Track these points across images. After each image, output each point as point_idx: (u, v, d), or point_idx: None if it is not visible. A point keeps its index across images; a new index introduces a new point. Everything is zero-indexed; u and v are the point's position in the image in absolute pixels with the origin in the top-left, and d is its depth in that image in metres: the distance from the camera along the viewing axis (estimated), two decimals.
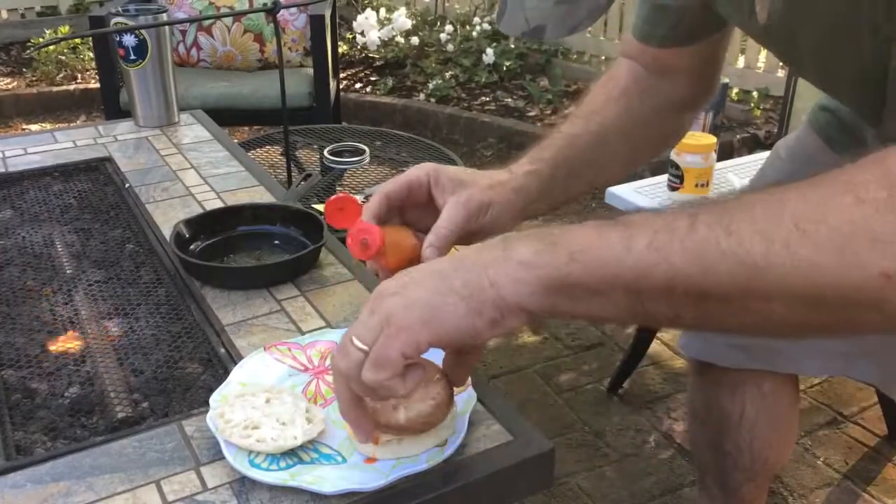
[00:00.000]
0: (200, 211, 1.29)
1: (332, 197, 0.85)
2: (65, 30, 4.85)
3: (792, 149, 1.18)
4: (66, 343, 0.99)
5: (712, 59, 1.02)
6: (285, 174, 1.90)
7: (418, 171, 0.88)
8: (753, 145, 3.48)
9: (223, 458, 0.77)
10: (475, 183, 0.88)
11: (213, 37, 3.16)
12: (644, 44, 1.01)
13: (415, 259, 0.84)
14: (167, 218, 1.28)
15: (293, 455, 0.78)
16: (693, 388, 1.38)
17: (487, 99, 4.22)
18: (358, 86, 4.44)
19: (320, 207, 1.83)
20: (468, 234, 0.86)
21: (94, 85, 4.30)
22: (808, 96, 2.06)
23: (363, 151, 2.12)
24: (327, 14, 3.01)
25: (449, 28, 4.56)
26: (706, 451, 1.38)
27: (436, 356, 0.90)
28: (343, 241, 0.91)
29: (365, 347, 0.66)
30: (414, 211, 0.89)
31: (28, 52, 4.80)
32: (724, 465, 1.34)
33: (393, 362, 0.66)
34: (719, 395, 1.30)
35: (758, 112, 3.70)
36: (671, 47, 0.99)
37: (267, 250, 1.20)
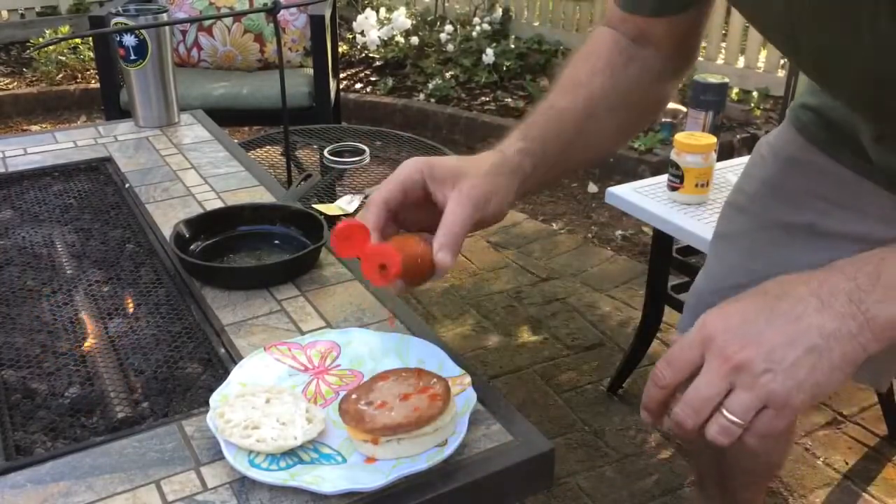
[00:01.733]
0: (200, 211, 1.29)
1: (337, 226, 0.78)
2: (65, 30, 4.85)
3: (774, 146, 1.17)
4: (67, 343, 0.99)
5: (696, 28, 1.00)
6: (285, 174, 1.90)
7: (409, 170, 0.84)
8: (753, 145, 3.48)
9: (223, 458, 0.77)
10: (473, 171, 0.84)
11: (213, 37, 3.16)
12: (633, 13, 0.97)
13: (426, 265, 0.80)
14: (167, 218, 1.28)
15: (293, 455, 0.78)
16: None
17: (487, 99, 4.22)
18: (358, 86, 4.44)
19: (320, 207, 1.83)
20: (475, 225, 0.83)
21: (94, 85, 4.30)
22: None
23: (363, 151, 2.12)
24: (327, 14, 3.01)
25: (449, 28, 4.56)
26: (703, 455, 1.38)
27: (437, 355, 0.90)
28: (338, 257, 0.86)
29: (740, 422, 0.67)
30: (410, 211, 0.85)
31: (28, 52, 4.80)
32: (722, 469, 1.34)
33: (780, 432, 0.68)
34: None
35: (758, 112, 3.70)
36: (662, 16, 0.96)
37: (267, 250, 1.20)
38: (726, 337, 0.68)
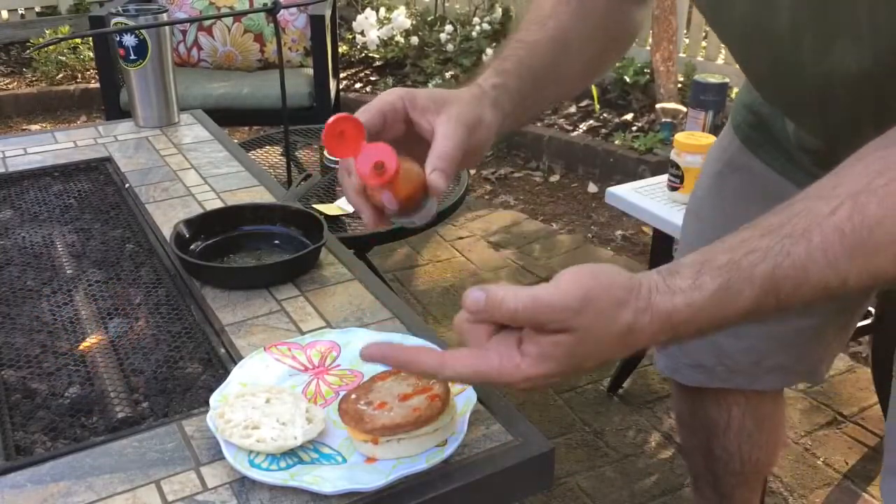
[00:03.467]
0: (200, 211, 1.29)
1: (329, 122, 0.72)
2: (65, 30, 4.84)
3: (719, 145, 1.18)
4: (67, 343, 0.99)
5: None
6: (285, 174, 1.90)
7: (389, 96, 0.81)
8: None
9: (223, 458, 0.77)
10: (458, 98, 0.81)
11: (213, 37, 3.16)
12: None
13: (420, 187, 0.76)
14: (167, 218, 1.28)
15: (293, 455, 0.78)
16: (677, 397, 1.38)
17: None
18: (358, 86, 4.44)
19: (320, 207, 1.83)
20: (464, 155, 0.79)
21: (94, 85, 4.30)
22: None
23: None
24: (327, 14, 3.01)
25: (449, 28, 4.55)
26: (697, 457, 1.39)
27: None
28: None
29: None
30: (390, 142, 0.78)
31: (28, 52, 4.80)
32: (716, 469, 1.34)
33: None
34: (704, 403, 1.29)
35: None
36: None
37: (267, 250, 1.20)
38: (556, 352, 0.64)
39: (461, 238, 3.02)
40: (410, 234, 1.98)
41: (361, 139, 0.73)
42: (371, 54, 4.65)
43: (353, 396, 0.81)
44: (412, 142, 0.80)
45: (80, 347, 0.98)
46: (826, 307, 1.09)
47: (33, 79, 4.55)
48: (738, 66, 0.98)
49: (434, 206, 0.83)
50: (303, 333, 0.99)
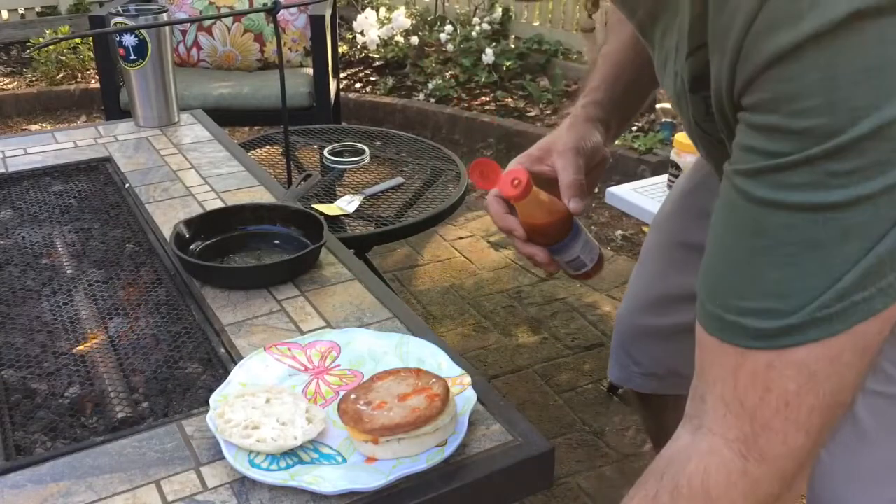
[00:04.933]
0: (200, 211, 1.29)
1: (474, 162, 0.87)
2: (65, 30, 4.84)
3: (696, 163, 1.22)
4: (67, 343, 0.99)
5: None
6: (285, 174, 1.90)
7: (518, 174, 0.91)
8: None
9: (223, 458, 0.77)
10: (559, 135, 0.93)
11: (213, 37, 3.16)
12: None
13: (561, 220, 0.89)
14: (167, 218, 1.28)
15: (293, 455, 0.78)
16: (637, 405, 1.39)
17: (487, 99, 4.22)
18: (358, 86, 4.44)
19: (320, 207, 1.83)
20: (589, 174, 0.92)
21: (94, 85, 4.30)
22: None
23: (363, 151, 2.12)
24: (327, 14, 3.01)
25: (449, 28, 4.55)
26: (646, 421, 1.40)
27: (437, 355, 0.90)
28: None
29: None
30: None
31: (28, 52, 4.80)
32: (660, 429, 1.35)
33: None
34: (664, 408, 1.30)
35: None
36: None
37: (267, 250, 1.20)
38: None
39: (461, 238, 3.02)
40: (411, 235, 1.98)
41: (499, 172, 0.87)
42: (371, 54, 4.65)
43: (353, 396, 0.81)
44: (553, 190, 0.91)
45: (80, 348, 0.98)
46: None
47: (33, 79, 4.55)
48: None
49: (596, 245, 0.98)
50: (303, 333, 0.99)
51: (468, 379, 0.86)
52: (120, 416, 0.86)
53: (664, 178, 1.94)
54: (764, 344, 0.56)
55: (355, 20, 4.58)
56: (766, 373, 0.57)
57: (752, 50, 0.53)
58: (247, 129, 3.83)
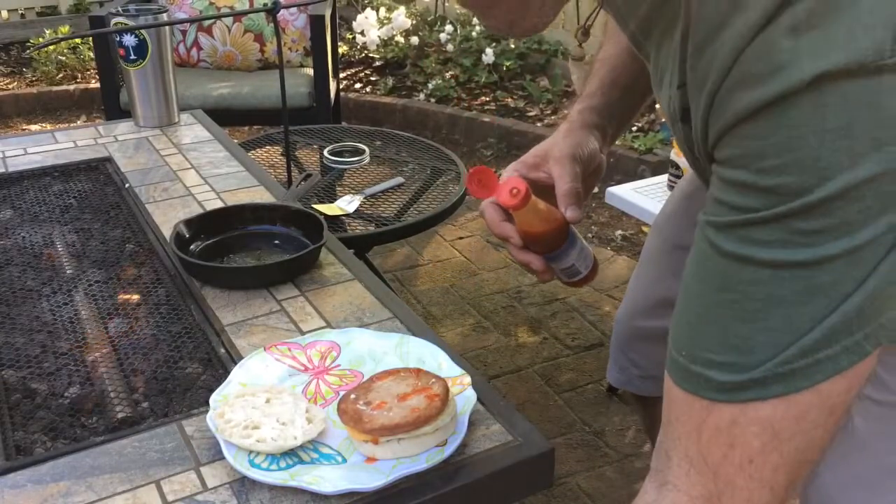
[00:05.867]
0: (200, 211, 1.29)
1: (471, 170, 0.87)
2: (65, 30, 4.84)
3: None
4: (67, 343, 0.99)
5: None
6: (285, 174, 1.90)
7: (512, 175, 0.92)
8: None
9: (223, 458, 0.77)
10: (556, 141, 0.93)
11: (213, 37, 3.16)
12: None
13: (558, 229, 0.89)
14: (167, 218, 1.28)
15: (293, 455, 0.78)
16: (637, 408, 1.39)
17: (487, 99, 4.22)
18: (358, 86, 4.44)
19: (320, 207, 1.83)
20: (585, 182, 0.91)
21: (94, 85, 4.30)
22: None
23: (363, 151, 2.12)
24: (327, 14, 3.01)
25: (449, 28, 4.55)
26: (641, 416, 1.40)
27: (437, 355, 0.90)
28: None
29: None
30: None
31: (28, 52, 4.80)
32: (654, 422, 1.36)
33: None
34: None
35: None
36: None
37: (267, 250, 1.20)
38: None
39: (461, 238, 3.02)
40: (411, 235, 1.98)
41: (496, 181, 0.88)
42: (371, 54, 4.65)
43: (353, 396, 0.81)
44: (549, 197, 0.91)
45: (81, 349, 0.98)
46: None
47: (33, 79, 4.55)
48: None
49: (590, 252, 0.97)
50: (303, 333, 0.99)
51: (468, 379, 0.86)
52: (120, 416, 0.86)
53: (664, 178, 1.94)
54: (726, 397, 0.56)
55: (355, 20, 4.58)
56: (729, 429, 0.56)
57: (725, 104, 0.53)
58: (247, 129, 3.83)
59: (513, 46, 4.50)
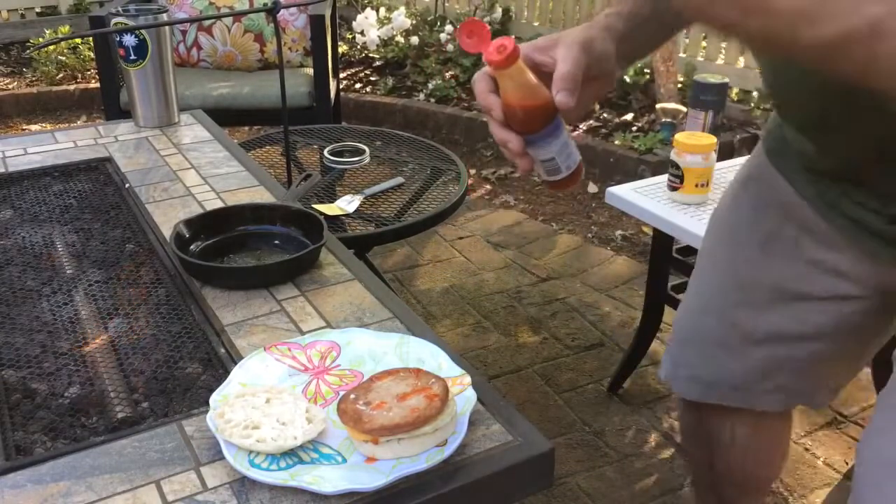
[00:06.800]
0: (200, 211, 1.29)
1: (462, 23, 0.83)
2: (65, 30, 4.84)
3: (751, 156, 1.19)
4: (67, 343, 0.99)
5: None
6: (285, 174, 1.90)
7: (506, 41, 0.85)
8: (753, 145, 3.48)
9: (223, 458, 0.77)
10: (568, 32, 0.87)
11: (213, 37, 3.16)
12: None
13: (541, 107, 0.83)
14: (167, 218, 1.28)
15: (293, 455, 0.78)
16: (681, 408, 1.37)
17: None
18: (358, 86, 4.44)
19: (320, 207, 1.83)
20: (585, 80, 0.83)
21: (94, 85, 4.30)
22: None
23: (363, 151, 2.12)
24: (327, 14, 3.01)
25: (449, 28, 4.55)
26: (700, 466, 1.38)
27: (437, 355, 0.90)
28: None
29: None
30: None
31: (28, 52, 4.80)
32: (718, 480, 1.34)
33: None
34: (708, 417, 1.28)
35: (758, 112, 3.70)
36: None
37: (267, 250, 1.20)
38: None
39: (461, 238, 3.02)
40: (411, 235, 1.98)
41: (488, 36, 0.81)
42: (371, 54, 4.65)
43: (352, 396, 0.81)
44: (548, 83, 0.84)
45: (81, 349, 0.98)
46: (843, 333, 1.09)
47: (33, 79, 4.55)
48: (740, 67, 0.99)
49: (576, 156, 0.90)
50: (303, 333, 0.99)
51: (468, 379, 0.86)
52: (120, 416, 0.86)
53: (664, 178, 1.94)
54: None
55: (355, 20, 4.58)
56: None
57: None
58: (247, 129, 3.83)
59: None
